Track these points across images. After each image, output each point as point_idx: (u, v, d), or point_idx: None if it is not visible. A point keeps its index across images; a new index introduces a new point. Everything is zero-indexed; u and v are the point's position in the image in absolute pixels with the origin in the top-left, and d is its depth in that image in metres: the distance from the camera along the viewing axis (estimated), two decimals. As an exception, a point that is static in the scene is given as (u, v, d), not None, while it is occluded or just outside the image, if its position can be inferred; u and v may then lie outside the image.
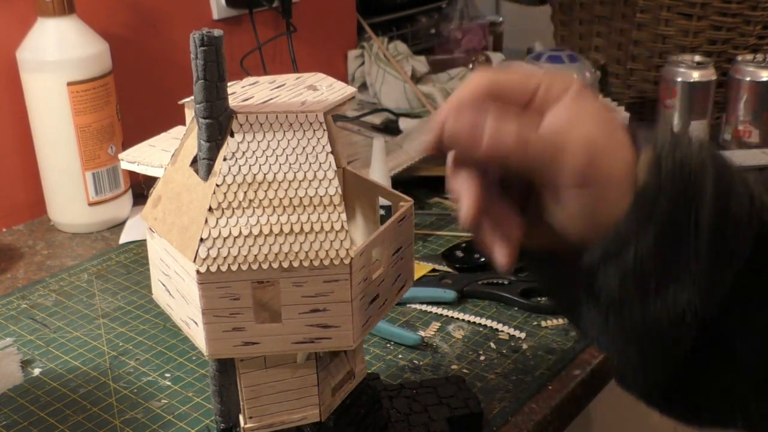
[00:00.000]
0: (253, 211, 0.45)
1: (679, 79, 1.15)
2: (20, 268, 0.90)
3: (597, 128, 0.43)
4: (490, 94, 0.45)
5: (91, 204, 0.97)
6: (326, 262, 0.45)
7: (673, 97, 1.16)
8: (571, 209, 0.44)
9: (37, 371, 0.72)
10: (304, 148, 0.47)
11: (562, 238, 0.45)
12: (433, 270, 0.86)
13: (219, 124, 0.46)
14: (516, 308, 0.80)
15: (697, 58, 1.17)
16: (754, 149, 1.15)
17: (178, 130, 0.59)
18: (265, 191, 0.46)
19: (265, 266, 0.45)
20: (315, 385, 0.51)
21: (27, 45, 0.92)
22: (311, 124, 0.48)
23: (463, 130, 0.43)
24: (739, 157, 1.12)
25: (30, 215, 1.02)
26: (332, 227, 0.45)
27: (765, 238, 0.44)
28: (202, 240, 0.45)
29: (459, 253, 0.88)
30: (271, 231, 0.45)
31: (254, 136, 0.47)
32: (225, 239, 0.45)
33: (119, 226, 1.00)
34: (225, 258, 0.44)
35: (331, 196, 0.46)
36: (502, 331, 0.76)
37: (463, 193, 0.45)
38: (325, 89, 0.51)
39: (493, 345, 0.74)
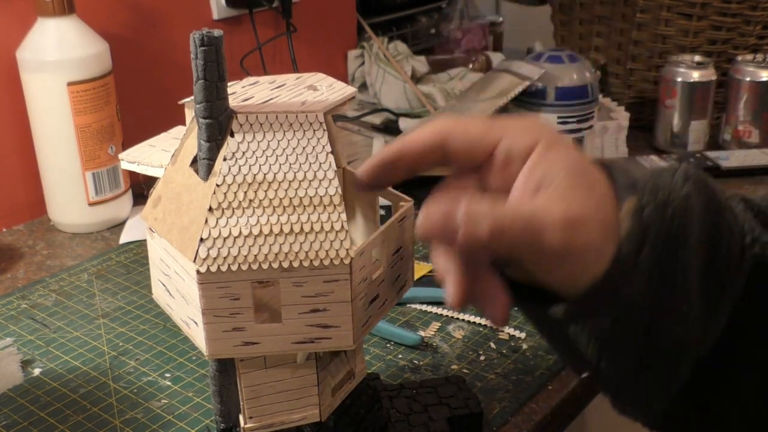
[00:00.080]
0: (253, 211, 0.45)
1: (679, 79, 1.15)
2: (20, 268, 0.90)
3: (572, 198, 0.42)
4: (442, 145, 0.45)
5: (91, 204, 0.97)
6: (326, 262, 0.45)
7: (673, 97, 1.16)
8: (553, 276, 0.44)
9: (37, 371, 0.72)
10: (304, 148, 0.47)
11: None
12: (433, 270, 0.86)
13: (219, 124, 0.46)
14: (516, 308, 0.79)
15: (697, 58, 1.17)
16: (754, 149, 1.15)
17: (178, 130, 0.60)
18: (265, 191, 0.46)
19: (265, 266, 0.45)
20: (315, 385, 0.51)
21: (27, 45, 0.92)
22: (311, 124, 0.48)
23: (435, 226, 0.42)
24: (739, 157, 1.12)
25: (30, 215, 1.02)
26: (332, 227, 0.45)
27: (758, 270, 0.44)
28: (202, 240, 0.45)
29: (459, 253, 0.88)
30: (271, 231, 0.45)
31: (254, 136, 0.47)
32: (225, 239, 0.45)
33: (119, 226, 1.00)
34: (225, 258, 0.44)
35: (331, 196, 0.46)
36: (502, 331, 0.76)
37: (448, 276, 0.45)
38: (325, 89, 0.51)
39: (493, 345, 0.74)
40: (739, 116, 1.17)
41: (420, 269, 0.86)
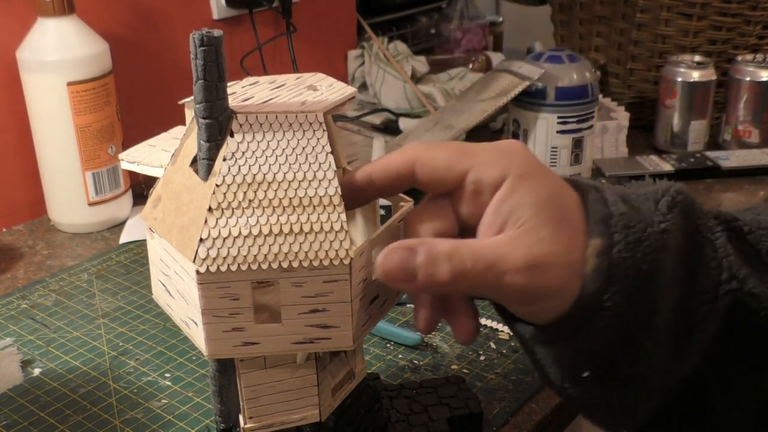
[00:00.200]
0: (253, 211, 0.45)
1: (679, 79, 1.15)
2: (20, 268, 0.90)
3: (538, 238, 0.41)
4: (411, 173, 0.45)
5: (91, 204, 0.97)
6: (326, 263, 0.45)
7: (673, 97, 1.16)
8: (519, 310, 0.44)
9: (37, 371, 0.72)
10: (303, 148, 0.47)
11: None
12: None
13: (219, 124, 0.46)
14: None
15: (697, 58, 1.17)
16: (754, 149, 1.15)
17: (178, 130, 0.59)
18: (265, 191, 0.46)
19: (264, 266, 0.45)
20: (315, 386, 0.51)
21: (27, 45, 0.92)
22: (311, 124, 0.48)
23: (394, 268, 0.42)
24: (739, 157, 1.12)
25: (30, 215, 1.02)
26: (332, 227, 0.45)
27: (735, 306, 0.43)
28: (201, 240, 0.45)
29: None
30: (270, 231, 0.45)
31: (254, 136, 0.47)
32: (225, 239, 0.45)
33: (119, 226, 1.00)
34: (225, 258, 0.44)
35: (330, 196, 0.46)
36: (502, 331, 0.76)
37: (416, 303, 0.45)
38: (325, 89, 0.51)
39: (493, 345, 0.74)
40: (739, 116, 1.17)
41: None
